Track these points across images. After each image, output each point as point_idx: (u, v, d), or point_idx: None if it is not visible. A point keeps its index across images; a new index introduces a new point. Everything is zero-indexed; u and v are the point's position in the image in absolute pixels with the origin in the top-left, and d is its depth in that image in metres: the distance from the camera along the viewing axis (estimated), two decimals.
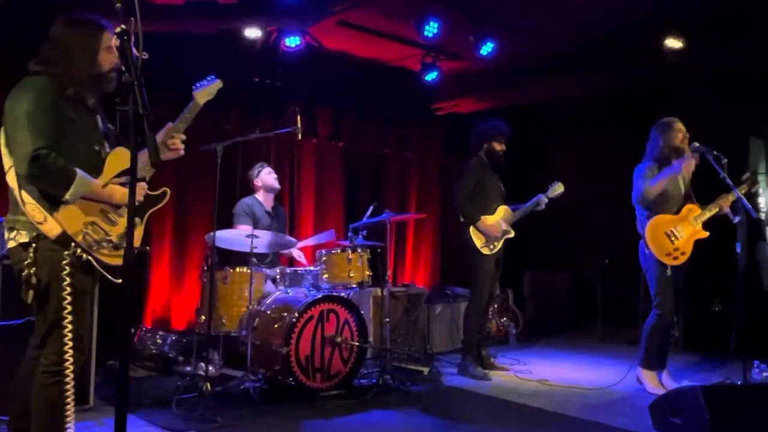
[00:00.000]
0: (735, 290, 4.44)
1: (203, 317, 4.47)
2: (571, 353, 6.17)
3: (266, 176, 5.34)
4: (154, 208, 2.89)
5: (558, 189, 5.37)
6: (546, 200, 5.32)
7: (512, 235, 5.29)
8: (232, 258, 5.07)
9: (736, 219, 4.42)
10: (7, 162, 2.55)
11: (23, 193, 2.49)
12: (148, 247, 2.29)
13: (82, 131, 2.64)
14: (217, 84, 3.12)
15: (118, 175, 2.71)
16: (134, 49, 2.09)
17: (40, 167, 2.41)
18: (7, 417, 2.76)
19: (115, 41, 2.56)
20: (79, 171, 2.50)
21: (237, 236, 4.56)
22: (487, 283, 5.22)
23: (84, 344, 2.64)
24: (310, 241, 5.67)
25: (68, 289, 2.47)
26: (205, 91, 3.08)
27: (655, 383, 4.56)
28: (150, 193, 2.85)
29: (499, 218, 5.23)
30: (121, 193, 2.66)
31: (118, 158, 2.73)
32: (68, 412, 2.49)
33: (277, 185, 5.40)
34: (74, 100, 2.62)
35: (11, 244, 2.56)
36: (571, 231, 7.90)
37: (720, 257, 5.12)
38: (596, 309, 7.09)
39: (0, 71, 4.84)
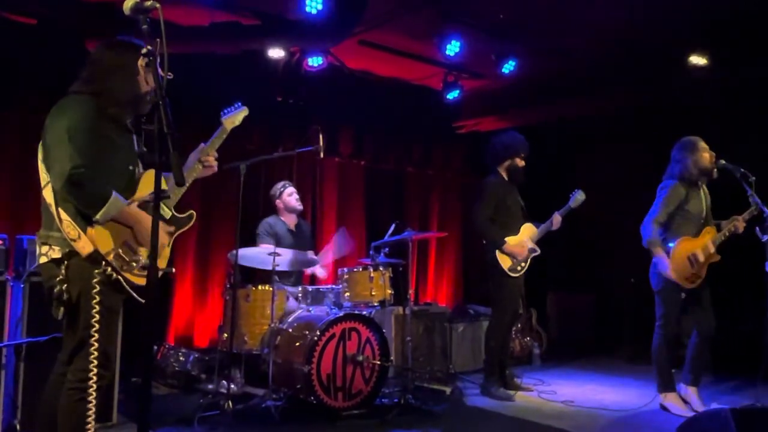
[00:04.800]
0: (764, 310, 4.34)
1: (225, 335, 4.48)
2: (597, 374, 6.06)
3: (288, 197, 5.37)
4: (181, 230, 2.93)
5: (580, 198, 5.27)
6: (560, 218, 5.23)
7: (538, 252, 5.22)
8: (254, 276, 5.09)
9: (765, 237, 4.34)
10: (44, 177, 2.59)
11: (60, 210, 2.52)
12: (173, 269, 2.27)
13: (119, 151, 2.69)
14: (244, 111, 3.23)
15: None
16: (159, 69, 2.13)
17: (76, 185, 2.45)
18: None
19: (141, 62, 2.61)
20: (114, 193, 2.54)
21: (259, 254, 4.59)
22: (511, 304, 5.16)
23: (112, 362, 2.67)
24: (329, 255, 5.63)
25: (97, 307, 2.50)
26: (233, 117, 3.18)
27: (679, 404, 4.48)
28: (177, 215, 2.88)
29: (524, 237, 5.17)
30: (148, 221, 2.64)
31: (151, 180, 2.71)
32: (89, 429, 2.51)
33: (299, 206, 5.42)
34: (113, 119, 2.67)
35: (43, 260, 2.59)
36: (594, 250, 7.81)
37: (748, 277, 5.02)
38: (622, 329, 6.98)
39: (24, 97, 4.98)
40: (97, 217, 2.50)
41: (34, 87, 4.95)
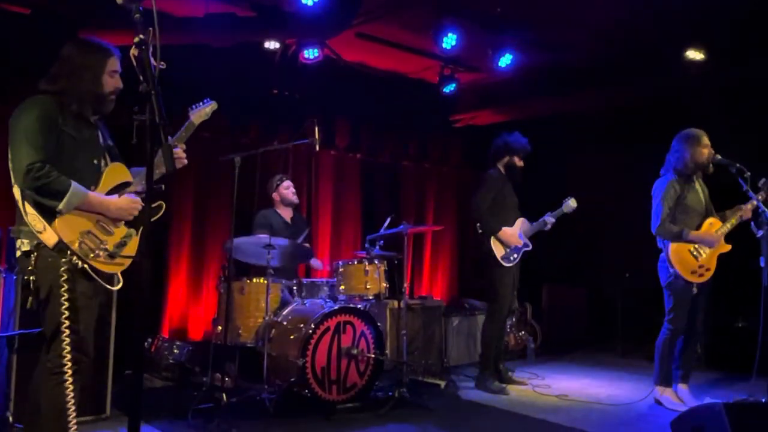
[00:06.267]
0: (759, 305, 4.35)
1: (220, 328, 4.47)
2: (591, 368, 6.08)
3: (284, 191, 5.36)
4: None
5: (572, 204, 5.33)
6: (553, 220, 5.27)
7: (530, 247, 5.24)
8: (249, 269, 5.07)
9: (760, 233, 4.34)
10: (13, 176, 2.69)
11: (26, 204, 2.63)
12: (142, 257, 2.32)
13: (81, 146, 2.77)
14: (212, 105, 3.24)
15: (115, 189, 2.84)
16: (152, 59, 2.12)
17: (34, 179, 2.56)
18: (22, 425, 2.79)
19: (133, 51, 2.60)
20: (74, 183, 2.62)
21: (254, 248, 4.57)
22: (506, 296, 5.17)
23: (89, 347, 2.74)
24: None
25: (66, 295, 2.58)
26: (201, 112, 3.19)
27: (674, 398, 4.49)
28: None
29: (518, 230, 5.19)
30: (115, 206, 2.77)
31: (114, 172, 2.87)
32: (70, 414, 2.57)
33: (295, 199, 5.41)
34: (76, 116, 2.76)
35: (18, 253, 2.71)
36: (589, 245, 7.82)
37: (743, 272, 5.02)
38: (616, 323, 7.00)
39: (18, 88, 4.95)
40: (60, 207, 2.59)
41: (27, 77, 4.88)
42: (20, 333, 3.57)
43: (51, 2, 4.73)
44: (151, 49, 2.13)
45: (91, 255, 2.67)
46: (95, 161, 2.83)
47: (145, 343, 5.03)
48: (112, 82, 2.84)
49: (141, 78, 2.09)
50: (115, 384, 4.01)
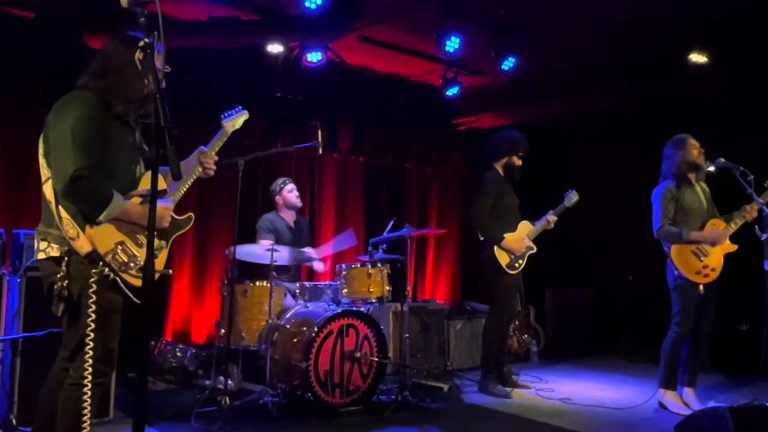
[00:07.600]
0: (762, 308, 4.34)
1: (223, 331, 4.47)
2: (594, 372, 6.06)
3: (288, 194, 5.36)
4: (180, 233, 2.91)
5: (573, 198, 5.30)
6: (555, 218, 5.24)
7: (535, 250, 5.22)
8: (252, 272, 5.08)
9: (764, 236, 4.33)
10: (45, 173, 2.55)
11: (60, 207, 2.49)
12: (170, 270, 2.18)
13: (122, 150, 2.63)
14: (244, 115, 3.30)
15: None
16: (157, 63, 2.11)
17: (78, 188, 2.42)
18: (30, 429, 2.77)
19: (138, 54, 2.59)
20: (115, 193, 2.50)
21: (257, 249, 4.58)
22: (508, 302, 5.15)
23: (113, 359, 2.66)
24: (329, 249, 5.62)
25: (93, 306, 2.47)
26: (233, 120, 3.25)
27: (678, 402, 4.48)
28: (176, 217, 2.86)
29: (521, 234, 5.16)
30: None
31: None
32: (85, 425, 2.51)
33: (298, 203, 5.41)
34: (118, 117, 2.61)
35: (41, 256, 2.56)
36: (592, 247, 7.81)
37: (747, 275, 5.01)
38: (620, 326, 6.98)
39: (21, 91, 4.96)
40: (101, 218, 2.47)
41: (31, 80, 4.93)
42: (24, 336, 3.58)
43: (55, 6, 4.75)
44: (155, 53, 2.12)
45: (123, 268, 2.56)
46: (132, 167, 2.69)
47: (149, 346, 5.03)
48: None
49: (146, 81, 2.08)
50: (118, 386, 4.01)
